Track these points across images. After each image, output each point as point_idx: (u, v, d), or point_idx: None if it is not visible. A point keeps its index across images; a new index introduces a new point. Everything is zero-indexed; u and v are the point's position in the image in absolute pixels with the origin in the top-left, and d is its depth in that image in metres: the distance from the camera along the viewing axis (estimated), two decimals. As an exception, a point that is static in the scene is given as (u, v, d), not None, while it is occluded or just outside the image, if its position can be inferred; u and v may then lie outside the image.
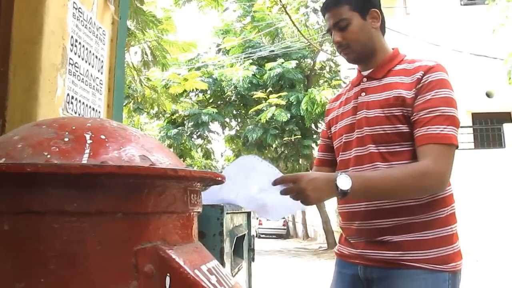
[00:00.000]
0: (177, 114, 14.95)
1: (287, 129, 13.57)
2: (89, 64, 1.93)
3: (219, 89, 15.17)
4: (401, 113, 1.35)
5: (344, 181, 1.23)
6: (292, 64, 13.91)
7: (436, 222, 1.35)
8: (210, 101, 15.73)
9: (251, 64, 14.49)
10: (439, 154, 1.27)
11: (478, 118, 12.90)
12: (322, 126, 14.02)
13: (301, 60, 15.32)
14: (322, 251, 14.78)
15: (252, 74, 14.14)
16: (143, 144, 0.78)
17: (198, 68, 14.86)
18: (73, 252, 0.65)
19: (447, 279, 1.32)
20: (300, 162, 15.07)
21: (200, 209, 0.86)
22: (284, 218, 26.72)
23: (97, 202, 0.66)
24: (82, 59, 1.86)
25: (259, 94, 13.97)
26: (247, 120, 15.37)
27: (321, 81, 15.80)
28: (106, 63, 2.09)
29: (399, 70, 1.44)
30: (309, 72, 15.59)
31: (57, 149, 0.69)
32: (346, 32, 1.42)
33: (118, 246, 0.68)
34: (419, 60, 1.44)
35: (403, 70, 1.43)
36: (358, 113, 1.45)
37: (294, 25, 10.94)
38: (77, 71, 1.80)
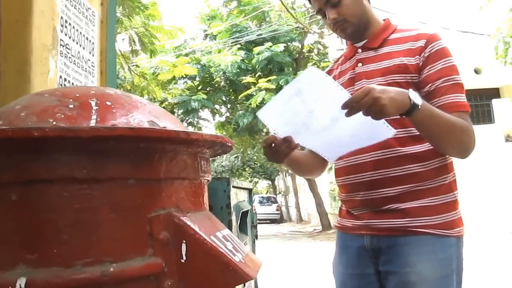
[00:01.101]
0: (166, 102, 14.83)
1: (277, 113, 13.48)
2: (80, 45, 1.88)
3: (207, 76, 15.05)
4: (404, 80, 1.35)
5: (416, 96, 1.19)
6: (281, 47, 13.82)
7: (440, 188, 1.35)
8: (199, 88, 15.61)
9: (239, 49, 14.37)
10: (468, 120, 1.31)
11: (467, 95, 12.84)
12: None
13: (289, 43, 15.24)
14: (317, 233, 14.89)
15: (241, 59, 14.03)
16: (150, 111, 0.76)
17: (186, 55, 14.72)
18: (85, 220, 0.62)
19: (453, 244, 1.33)
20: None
21: (210, 178, 0.84)
22: (277, 203, 26.83)
23: (108, 168, 0.64)
24: (73, 40, 1.81)
25: (248, 79, 13.87)
26: (237, 105, 15.29)
27: (309, 64, 15.74)
28: (97, 45, 2.04)
29: (395, 39, 1.44)
30: (297, 55, 15.52)
31: (63, 116, 0.66)
32: (341, 7, 1.40)
33: (131, 214, 0.66)
34: (414, 28, 1.44)
35: (399, 38, 1.43)
36: (357, 83, 1.44)
37: (284, 5, 10.84)
38: (68, 53, 1.76)
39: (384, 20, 1.51)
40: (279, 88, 13.25)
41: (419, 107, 1.18)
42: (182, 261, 0.67)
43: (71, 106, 0.68)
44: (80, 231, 0.62)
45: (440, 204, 1.33)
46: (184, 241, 0.68)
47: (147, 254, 0.66)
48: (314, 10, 1.49)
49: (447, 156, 1.38)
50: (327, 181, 14.28)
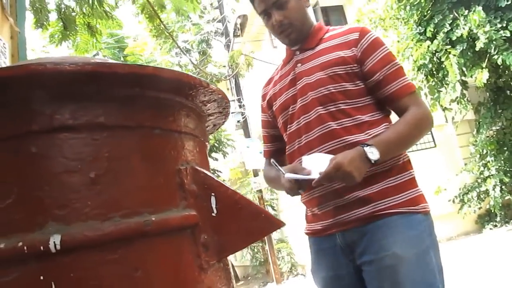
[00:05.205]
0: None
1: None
2: (-6, 76, 1.72)
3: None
4: (344, 71, 1.39)
5: (373, 153, 1.26)
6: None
7: (394, 168, 1.38)
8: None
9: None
10: (417, 100, 1.41)
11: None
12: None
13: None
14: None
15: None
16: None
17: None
18: (118, 169, 0.57)
19: (422, 220, 1.34)
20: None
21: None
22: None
23: (136, 115, 0.60)
24: (-13, 69, 1.65)
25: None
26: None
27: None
28: (9, 79, 1.87)
29: (329, 36, 1.49)
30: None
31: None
32: (287, 10, 1.42)
33: (161, 163, 0.62)
34: (345, 26, 1.53)
35: (333, 35, 1.49)
36: (298, 82, 1.46)
37: (181, 51, 10.97)
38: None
39: (318, 23, 1.57)
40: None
41: (379, 159, 1.27)
42: (213, 214, 0.65)
43: (79, 62, 0.64)
44: (113, 180, 0.57)
45: (397, 184, 1.36)
46: (212, 194, 0.65)
47: (181, 206, 0.62)
48: (258, 11, 1.49)
49: None
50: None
